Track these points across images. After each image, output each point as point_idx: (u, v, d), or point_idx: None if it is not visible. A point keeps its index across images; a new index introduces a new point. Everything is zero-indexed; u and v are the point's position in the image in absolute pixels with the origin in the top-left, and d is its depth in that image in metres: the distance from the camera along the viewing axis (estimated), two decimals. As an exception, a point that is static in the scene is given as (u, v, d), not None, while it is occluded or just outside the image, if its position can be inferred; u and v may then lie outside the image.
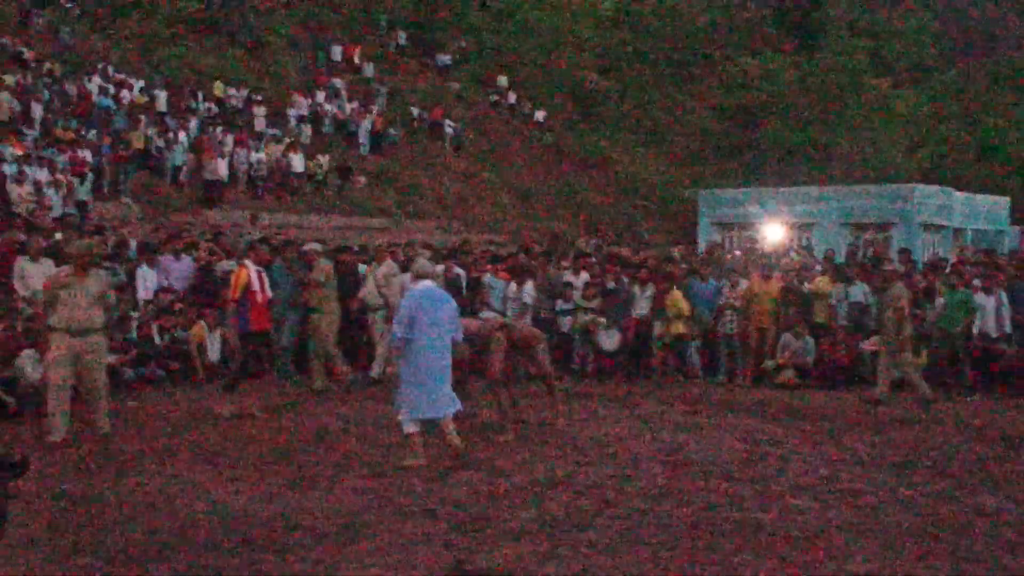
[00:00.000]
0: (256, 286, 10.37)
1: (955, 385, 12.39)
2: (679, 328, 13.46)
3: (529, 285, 13.85)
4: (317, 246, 12.52)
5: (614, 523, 6.43)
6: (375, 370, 12.39)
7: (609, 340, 13.66)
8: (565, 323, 13.97)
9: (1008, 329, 12.60)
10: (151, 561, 5.58)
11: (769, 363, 13.23)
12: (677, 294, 13.54)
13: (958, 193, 27.86)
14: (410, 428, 7.95)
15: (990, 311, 12.63)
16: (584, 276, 14.42)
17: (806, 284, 14.04)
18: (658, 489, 7.36)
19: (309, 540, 5.98)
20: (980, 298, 12.67)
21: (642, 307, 13.92)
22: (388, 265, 12.53)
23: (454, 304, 8.25)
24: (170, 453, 8.40)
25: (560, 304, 14.01)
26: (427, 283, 8.21)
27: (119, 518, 6.40)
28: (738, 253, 18.47)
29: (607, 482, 7.55)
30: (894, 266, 13.51)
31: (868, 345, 12.96)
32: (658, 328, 13.45)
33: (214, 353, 12.62)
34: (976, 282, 13.00)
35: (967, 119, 45.36)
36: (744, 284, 13.61)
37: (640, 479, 7.68)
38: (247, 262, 10.75)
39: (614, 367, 13.69)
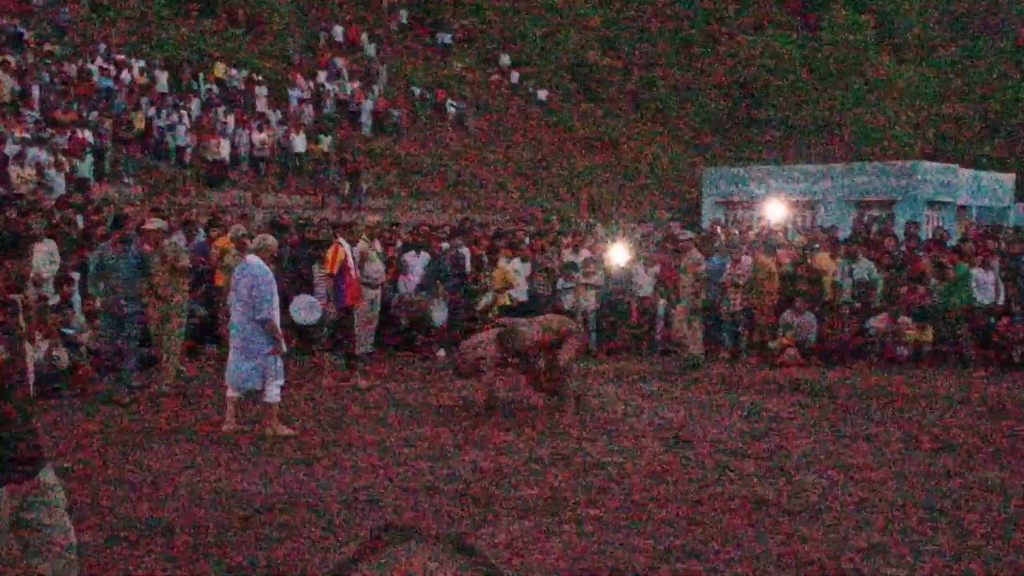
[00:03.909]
0: (351, 263, 10.55)
1: (958, 360, 12.43)
2: (506, 300, 13.60)
3: (525, 263, 13.91)
4: (163, 224, 10.94)
5: (618, 500, 6.42)
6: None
7: (439, 313, 13.52)
8: (567, 301, 13.97)
9: (1001, 301, 12.67)
10: (154, 539, 5.57)
11: (772, 344, 13.20)
12: (505, 267, 13.65)
13: (963, 170, 27.72)
14: (229, 393, 8.43)
15: (988, 285, 12.66)
16: (585, 253, 14.40)
17: (809, 260, 14.03)
18: (662, 466, 7.35)
19: (313, 518, 5.98)
20: (978, 272, 12.70)
21: (646, 286, 13.92)
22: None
23: (255, 283, 8.18)
24: (173, 432, 8.40)
25: (561, 283, 14.01)
26: (249, 259, 8.45)
27: (122, 496, 6.39)
28: (735, 231, 18.40)
29: (611, 459, 7.54)
30: (689, 235, 13.62)
31: (875, 322, 12.94)
32: (484, 301, 13.53)
33: None
34: (978, 257, 13.03)
35: (972, 95, 45.09)
36: (747, 261, 13.57)
37: (644, 456, 7.67)
38: (340, 239, 10.87)
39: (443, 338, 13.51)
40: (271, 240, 8.89)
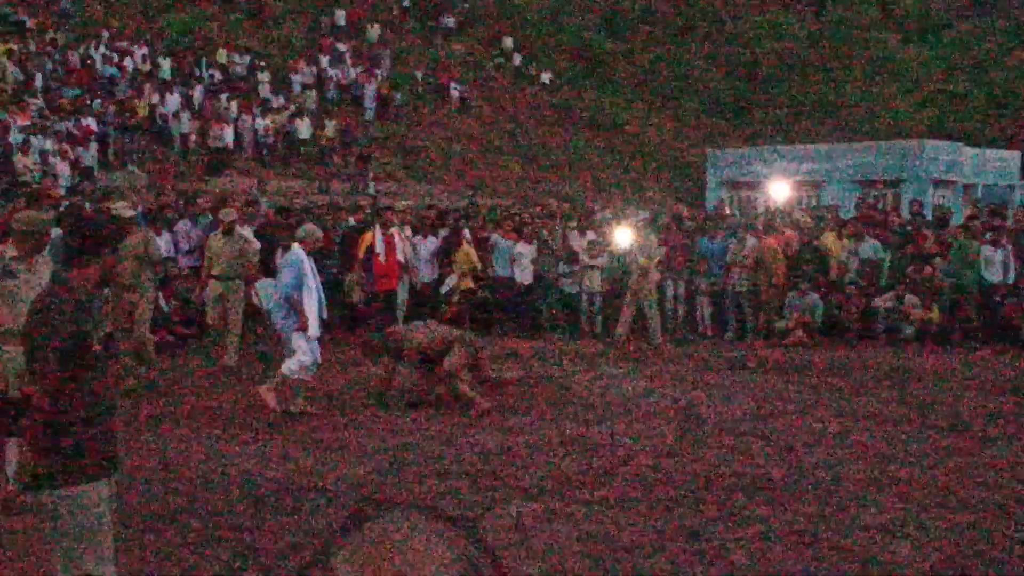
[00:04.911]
0: (379, 248, 10.65)
1: (965, 339, 12.43)
2: (468, 283, 13.47)
3: (532, 245, 13.95)
4: (129, 211, 10.17)
5: (626, 480, 6.45)
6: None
7: (400, 294, 13.44)
8: (567, 284, 14.01)
9: (1011, 280, 12.64)
10: (164, 522, 5.61)
11: (779, 324, 13.20)
12: (468, 249, 13.48)
13: (968, 148, 27.61)
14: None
15: (997, 263, 12.63)
16: (590, 235, 14.42)
17: (814, 242, 14.02)
18: (669, 446, 7.38)
19: (322, 501, 6.01)
20: (987, 251, 12.67)
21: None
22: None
23: (284, 267, 8.51)
24: (183, 416, 8.43)
25: (563, 266, 14.02)
26: (293, 247, 8.62)
27: (132, 480, 6.42)
28: (738, 213, 18.39)
29: (618, 440, 7.56)
30: (645, 215, 13.67)
31: (881, 301, 12.93)
32: (448, 284, 13.48)
33: None
34: (987, 235, 12.97)
35: (977, 74, 44.83)
36: (751, 242, 13.55)
37: (651, 437, 7.69)
38: (377, 226, 11.02)
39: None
40: (319, 231, 8.99)
